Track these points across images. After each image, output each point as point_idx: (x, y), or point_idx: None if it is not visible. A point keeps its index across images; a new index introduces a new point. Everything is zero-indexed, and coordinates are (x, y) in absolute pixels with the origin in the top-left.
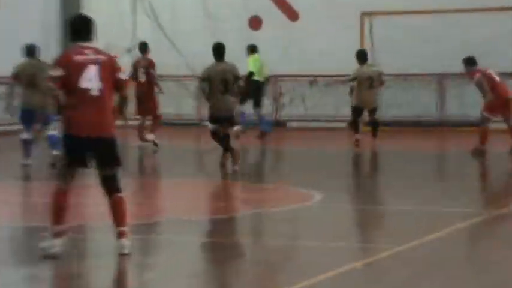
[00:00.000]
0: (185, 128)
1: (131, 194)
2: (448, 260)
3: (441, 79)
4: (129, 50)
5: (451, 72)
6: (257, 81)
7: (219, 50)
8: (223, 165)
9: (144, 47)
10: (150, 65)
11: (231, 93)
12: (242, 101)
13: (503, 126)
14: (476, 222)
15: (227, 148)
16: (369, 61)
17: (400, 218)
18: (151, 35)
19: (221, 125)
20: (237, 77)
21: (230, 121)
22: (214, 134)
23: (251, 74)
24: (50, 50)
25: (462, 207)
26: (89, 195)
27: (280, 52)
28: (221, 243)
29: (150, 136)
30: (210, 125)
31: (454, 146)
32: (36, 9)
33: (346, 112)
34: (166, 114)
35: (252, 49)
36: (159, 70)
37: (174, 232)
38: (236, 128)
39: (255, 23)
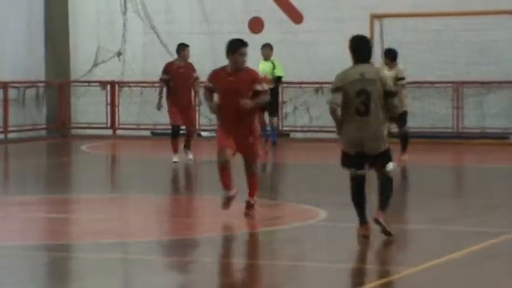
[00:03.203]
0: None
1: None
2: (463, 284)
3: (458, 87)
4: (119, 54)
5: (469, 80)
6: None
7: (359, 47)
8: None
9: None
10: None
11: (375, 114)
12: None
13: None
14: (496, 242)
15: (382, 206)
16: (379, 67)
17: (413, 237)
18: (142, 37)
19: (370, 165)
20: (388, 92)
21: (381, 159)
22: (357, 183)
23: (279, 78)
24: (36, 49)
25: (481, 227)
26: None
27: (283, 57)
28: (218, 262)
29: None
30: (348, 170)
31: (471, 161)
32: (21, 8)
33: None
34: (163, 125)
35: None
36: (149, 75)
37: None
38: (390, 166)
39: (256, 25)
